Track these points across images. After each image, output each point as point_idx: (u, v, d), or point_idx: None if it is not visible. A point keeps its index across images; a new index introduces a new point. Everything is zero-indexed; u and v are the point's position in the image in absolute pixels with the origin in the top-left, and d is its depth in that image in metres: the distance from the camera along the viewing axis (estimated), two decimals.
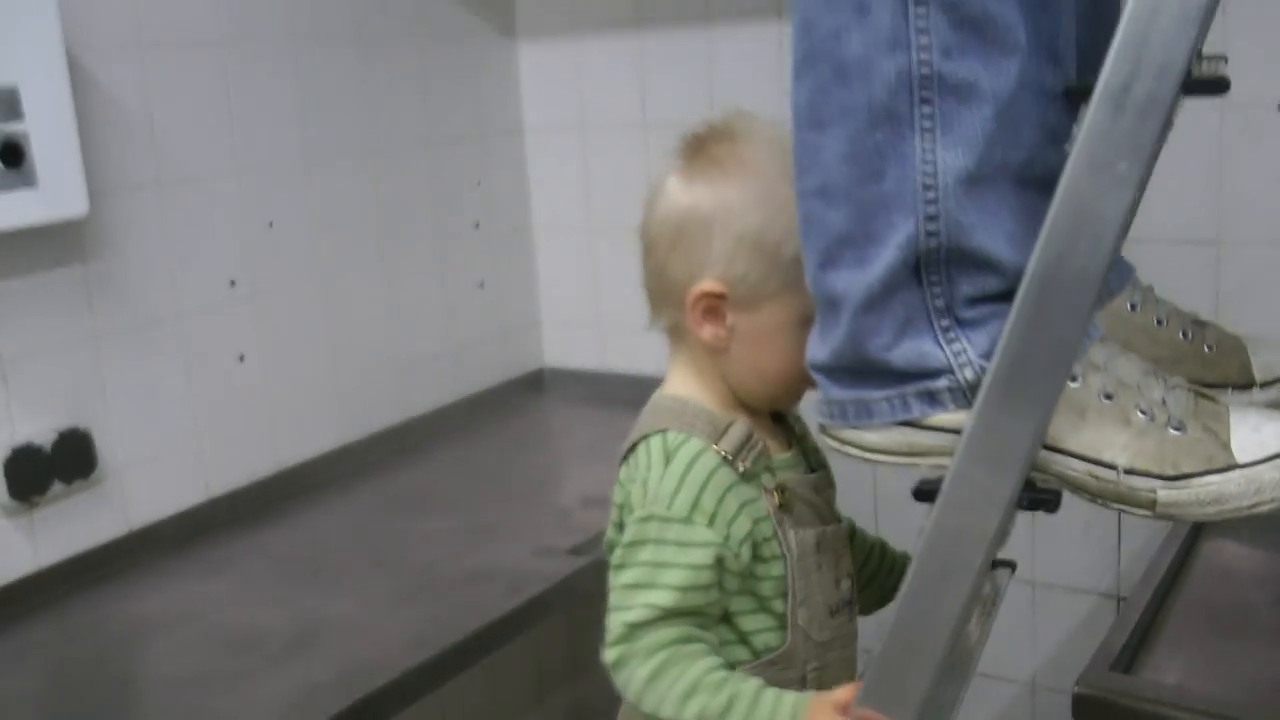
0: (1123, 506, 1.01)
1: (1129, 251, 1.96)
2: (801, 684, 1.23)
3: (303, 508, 2.22)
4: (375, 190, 2.44)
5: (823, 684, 1.22)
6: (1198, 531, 1.94)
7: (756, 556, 1.18)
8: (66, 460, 1.92)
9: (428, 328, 2.58)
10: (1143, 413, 0.98)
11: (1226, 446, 0.98)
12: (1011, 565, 1.36)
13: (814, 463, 1.31)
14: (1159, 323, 1.23)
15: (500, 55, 2.73)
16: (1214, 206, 2.02)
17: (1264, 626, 1.72)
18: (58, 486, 1.91)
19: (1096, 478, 0.99)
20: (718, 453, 1.17)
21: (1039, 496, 0.89)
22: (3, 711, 1.66)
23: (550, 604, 1.82)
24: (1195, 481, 0.97)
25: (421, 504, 2.23)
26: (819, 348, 1.09)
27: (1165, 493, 0.98)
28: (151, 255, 2.04)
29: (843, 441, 1.09)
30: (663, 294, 1.25)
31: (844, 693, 1.08)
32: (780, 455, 1.25)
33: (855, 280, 1.02)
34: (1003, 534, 0.92)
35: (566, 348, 2.82)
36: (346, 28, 2.37)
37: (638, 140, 2.59)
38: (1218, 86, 0.88)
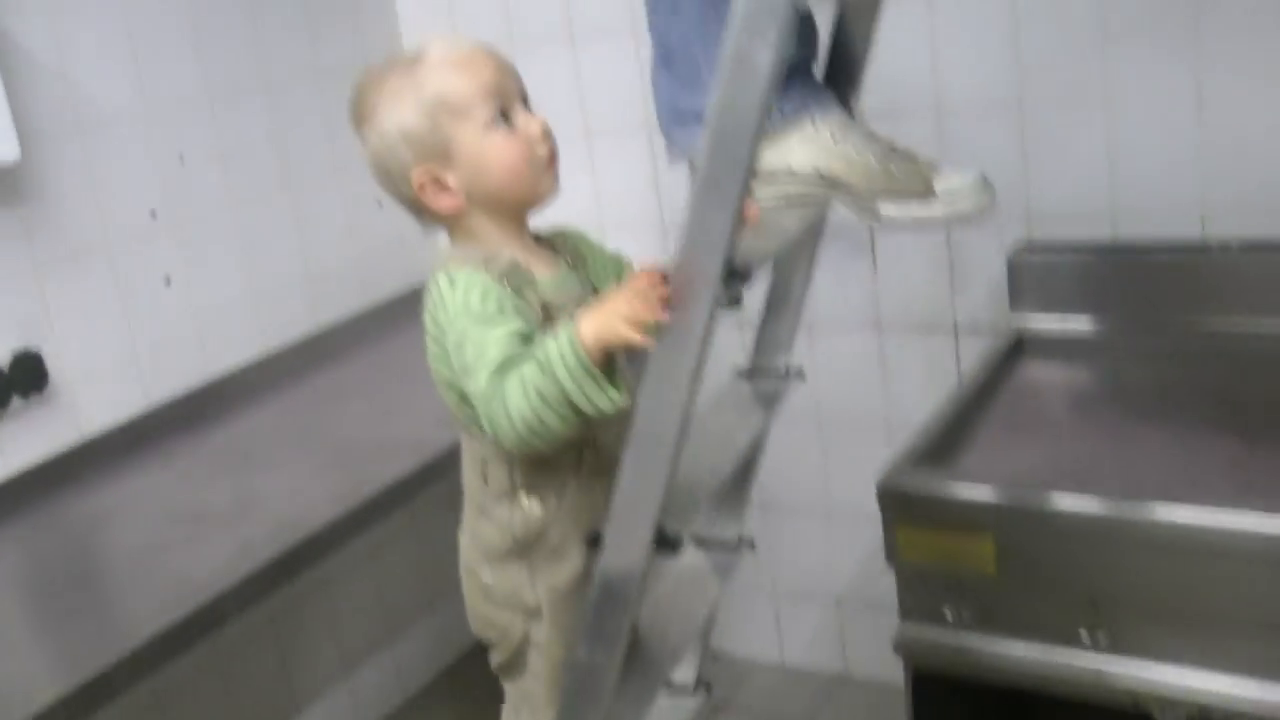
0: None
1: (943, 118, 2.22)
2: (578, 467, 1.51)
3: (232, 409, 2.45)
4: (274, 120, 2.64)
5: (601, 468, 1.50)
6: (1011, 357, 2.21)
7: None
8: (22, 378, 2.13)
9: (334, 244, 2.79)
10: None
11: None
12: (800, 373, 1.67)
13: (585, 286, 1.57)
14: (855, 151, 1.56)
15: None
16: (1013, 72, 2.26)
17: (1055, 426, 1.99)
18: (16, 402, 2.12)
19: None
20: (488, 275, 1.44)
21: (735, 272, 1.18)
22: None
23: (450, 464, 1.98)
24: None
25: (337, 396, 2.48)
26: None
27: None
28: (79, 192, 2.24)
29: None
30: (414, 208, 1.54)
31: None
32: (545, 277, 1.51)
33: None
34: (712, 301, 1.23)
35: None
36: None
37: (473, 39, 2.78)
38: None
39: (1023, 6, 2.21)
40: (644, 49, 2.58)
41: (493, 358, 1.36)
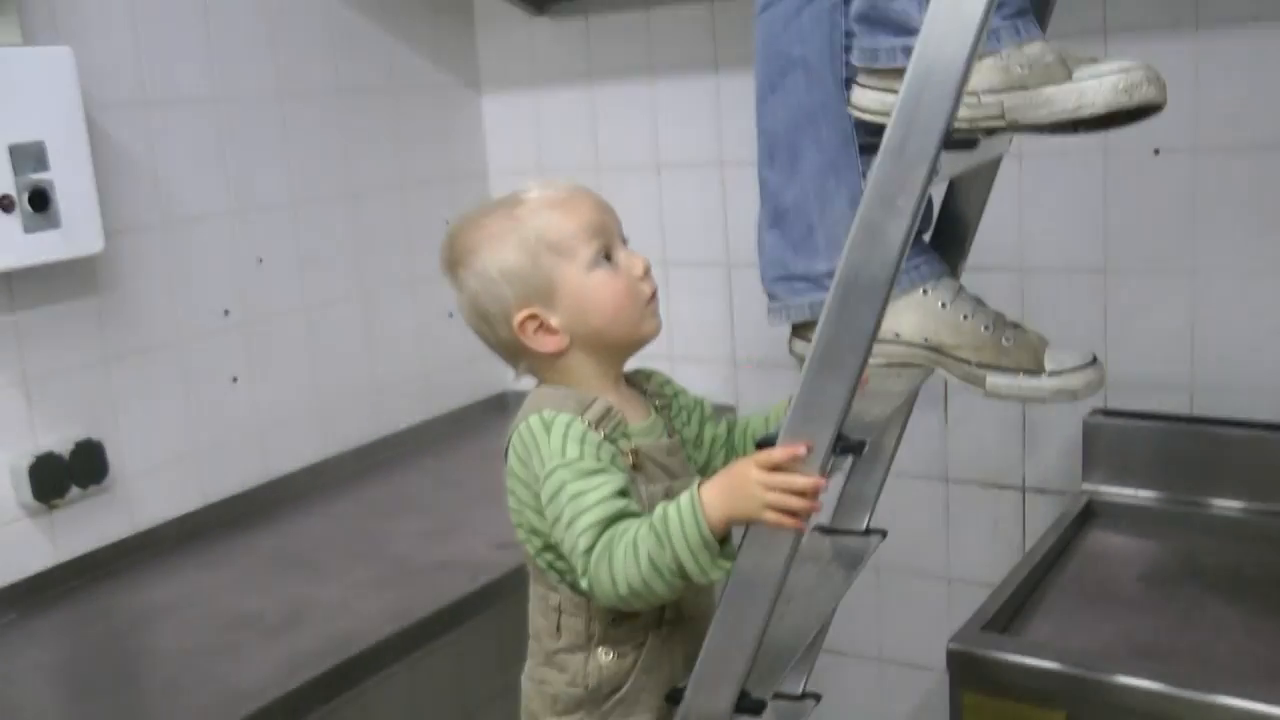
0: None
1: (1026, 279, 2.23)
2: (659, 622, 1.47)
3: (289, 512, 2.44)
4: (353, 229, 2.66)
5: (681, 619, 1.47)
6: (1081, 524, 2.20)
7: None
8: (82, 468, 2.13)
9: (401, 354, 2.79)
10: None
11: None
12: (883, 533, 1.63)
13: (670, 430, 1.56)
14: (965, 318, 1.53)
15: (466, 106, 2.96)
16: (1099, 238, 2.27)
17: (1126, 598, 1.95)
18: (74, 491, 2.12)
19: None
20: (584, 421, 1.42)
21: (849, 444, 1.16)
22: (31, 682, 1.88)
23: (507, 588, 2.03)
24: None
25: (395, 508, 2.46)
26: (856, 5, 1.48)
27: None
28: (156, 288, 2.26)
29: (860, 86, 1.51)
30: (509, 351, 1.52)
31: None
32: (637, 424, 1.50)
33: None
34: (824, 469, 1.20)
35: None
36: (328, 82, 2.60)
37: (591, 183, 2.77)
38: (969, 144, 1.16)
39: (1112, 173, 2.21)
40: (728, 182, 2.64)
41: (597, 516, 1.33)
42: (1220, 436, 2.17)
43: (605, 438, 1.41)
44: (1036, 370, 1.52)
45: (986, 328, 1.56)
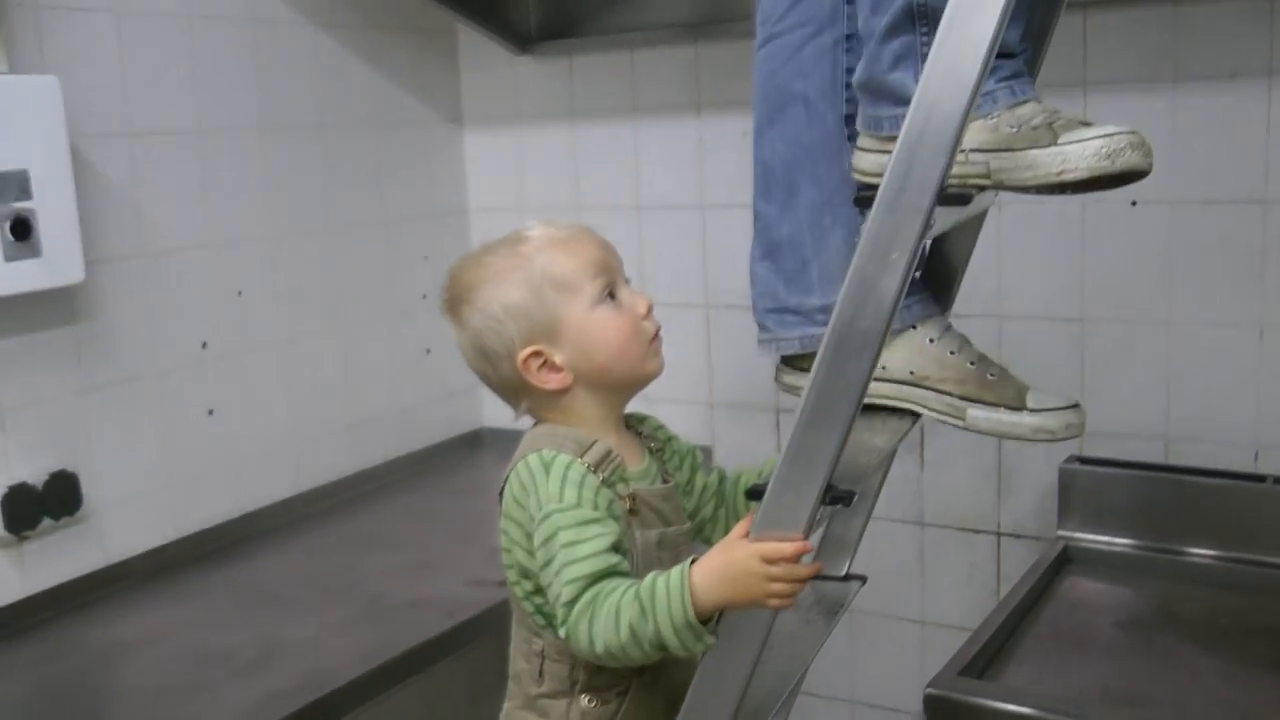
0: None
1: (1005, 326, 2.24)
2: (643, 670, 1.45)
3: (262, 547, 2.42)
4: (333, 263, 2.66)
5: (664, 666, 1.45)
6: (1057, 570, 2.20)
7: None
8: (56, 499, 2.12)
9: (377, 389, 2.79)
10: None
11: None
12: (863, 579, 1.63)
13: (666, 475, 1.55)
14: (951, 353, 1.55)
15: (448, 142, 2.97)
16: (1076, 287, 2.29)
17: (1102, 644, 1.96)
18: (46, 522, 2.10)
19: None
20: (583, 464, 1.41)
21: (838, 494, 1.16)
22: None
23: (482, 626, 2.03)
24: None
25: (369, 544, 2.44)
26: (858, 72, 1.50)
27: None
28: (135, 318, 2.25)
29: (861, 150, 1.51)
30: (511, 390, 1.52)
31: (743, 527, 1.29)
32: (634, 468, 1.49)
33: (877, 22, 1.43)
34: (811, 522, 1.21)
35: (504, 410, 2.91)
36: (311, 116, 2.60)
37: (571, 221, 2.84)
38: (962, 200, 1.18)
39: (1090, 224, 2.24)
40: (709, 225, 2.65)
41: (586, 570, 1.32)
42: (1194, 485, 2.19)
43: (603, 482, 1.41)
44: (1018, 407, 1.53)
45: (972, 363, 1.57)
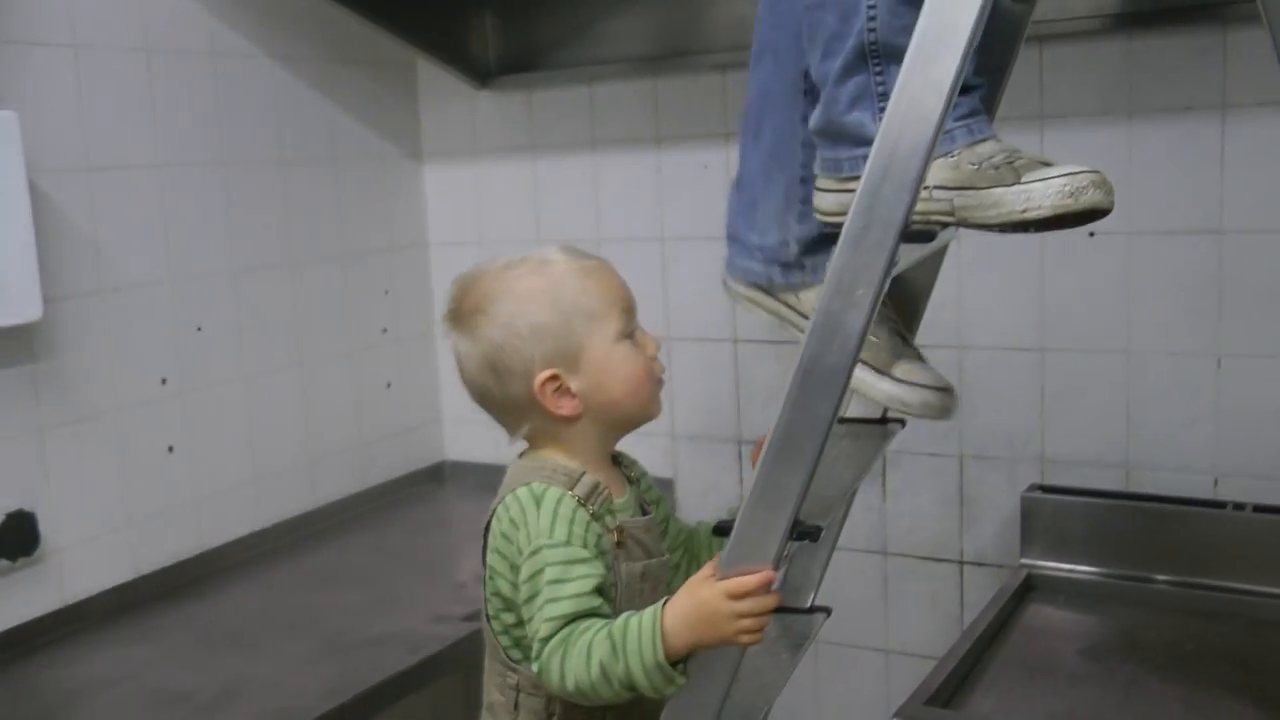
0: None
1: (965, 356, 2.25)
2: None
3: (224, 585, 2.40)
4: (293, 298, 2.64)
5: (640, 699, 1.42)
6: (1020, 597, 2.21)
7: None
8: (13, 539, 2.09)
9: (339, 423, 2.77)
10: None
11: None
12: (827, 610, 1.64)
13: (645, 506, 1.56)
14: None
15: (408, 176, 2.96)
16: (1035, 318, 2.31)
17: (1066, 672, 1.96)
18: (3, 563, 2.08)
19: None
20: (573, 497, 1.42)
21: (805, 530, 1.16)
22: None
23: (445, 662, 2.03)
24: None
25: (331, 580, 2.42)
26: (814, 119, 1.51)
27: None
28: (93, 355, 2.23)
29: (820, 190, 1.53)
30: (514, 410, 1.51)
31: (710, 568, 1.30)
32: (619, 500, 1.50)
33: (829, 66, 1.44)
34: (779, 558, 1.21)
35: (465, 443, 3.01)
36: (270, 151, 2.59)
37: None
38: (926, 236, 1.19)
39: (1049, 255, 2.26)
40: (668, 257, 2.65)
41: (566, 609, 1.33)
42: (1155, 512, 2.20)
43: (592, 516, 1.42)
44: (882, 371, 1.55)
45: (881, 337, 1.61)
